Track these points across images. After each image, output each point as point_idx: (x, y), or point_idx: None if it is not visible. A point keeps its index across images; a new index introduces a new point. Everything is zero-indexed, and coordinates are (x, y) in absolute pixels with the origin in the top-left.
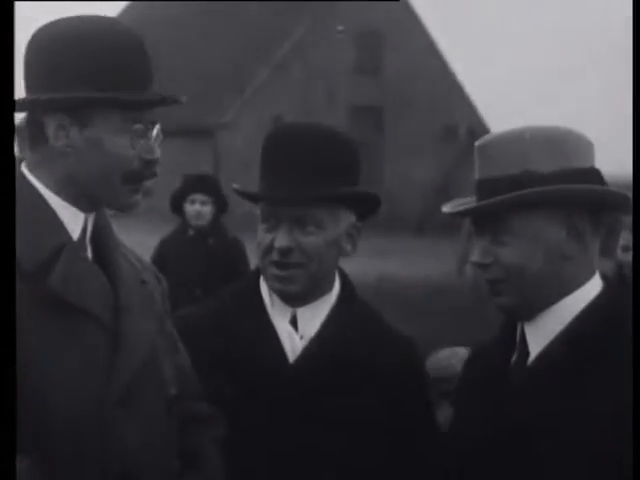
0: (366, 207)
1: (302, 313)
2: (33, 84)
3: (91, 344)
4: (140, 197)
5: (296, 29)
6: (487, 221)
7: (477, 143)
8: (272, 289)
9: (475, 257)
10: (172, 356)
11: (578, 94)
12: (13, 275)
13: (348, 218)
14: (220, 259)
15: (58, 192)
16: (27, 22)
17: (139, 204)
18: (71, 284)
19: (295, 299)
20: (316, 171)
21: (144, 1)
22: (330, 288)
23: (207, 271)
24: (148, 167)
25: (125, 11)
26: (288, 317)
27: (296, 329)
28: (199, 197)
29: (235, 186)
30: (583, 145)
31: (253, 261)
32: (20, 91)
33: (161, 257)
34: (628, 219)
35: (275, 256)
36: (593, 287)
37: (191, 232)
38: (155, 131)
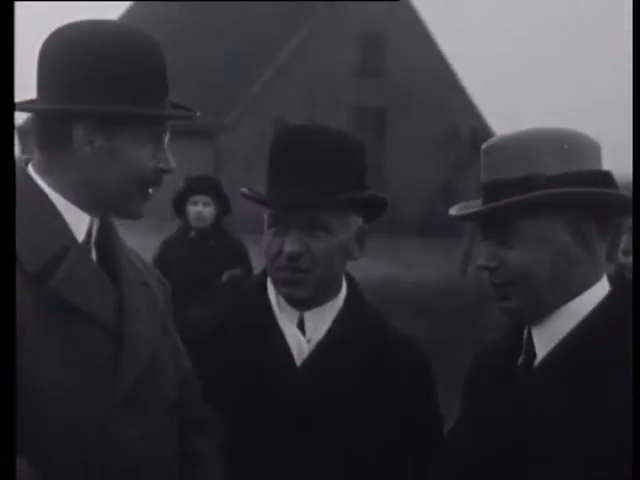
0: (374, 210)
1: (309, 317)
2: (57, 89)
3: (94, 346)
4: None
5: (298, 31)
6: (493, 224)
7: (483, 146)
8: (280, 293)
9: (481, 260)
10: (174, 359)
11: (586, 98)
12: (13, 275)
13: (356, 222)
14: (221, 261)
15: (69, 196)
16: (27, 22)
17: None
18: (75, 286)
19: (303, 303)
20: (327, 175)
21: (147, 1)
22: (337, 292)
23: (208, 273)
24: (160, 175)
25: (128, 11)
26: (295, 321)
27: (303, 333)
28: (201, 198)
29: (244, 190)
30: (590, 147)
31: (254, 263)
32: (20, 91)
33: (163, 258)
34: (628, 222)
35: (284, 261)
36: (600, 290)
37: (193, 233)
38: (167, 139)
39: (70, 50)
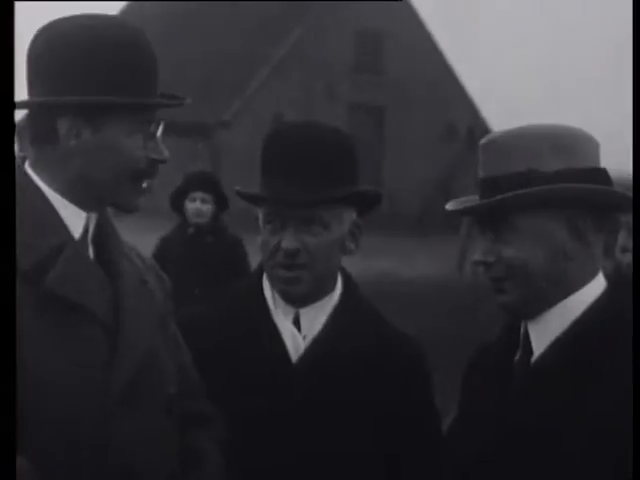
0: (367, 204)
1: (305, 313)
2: (42, 84)
3: (90, 343)
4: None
5: (296, 28)
6: (490, 219)
7: (481, 141)
8: (278, 290)
9: (477, 255)
10: (174, 355)
11: (582, 96)
12: (13, 275)
13: (350, 216)
14: (219, 257)
15: (63, 192)
16: (27, 22)
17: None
18: (71, 283)
19: (300, 300)
20: (321, 171)
21: (143, 1)
22: (333, 287)
23: (206, 270)
24: (154, 166)
25: (125, 9)
26: (291, 317)
27: (299, 329)
28: (200, 195)
29: (238, 188)
30: (588, 144)
31: (252, 260)
32: (19, 91)
33: (161, 255)
34: (625, 219)
35: (281, 257)
36: (596, 286)
37: (191, 230)
38: (160, 130)
39: (53, 44)
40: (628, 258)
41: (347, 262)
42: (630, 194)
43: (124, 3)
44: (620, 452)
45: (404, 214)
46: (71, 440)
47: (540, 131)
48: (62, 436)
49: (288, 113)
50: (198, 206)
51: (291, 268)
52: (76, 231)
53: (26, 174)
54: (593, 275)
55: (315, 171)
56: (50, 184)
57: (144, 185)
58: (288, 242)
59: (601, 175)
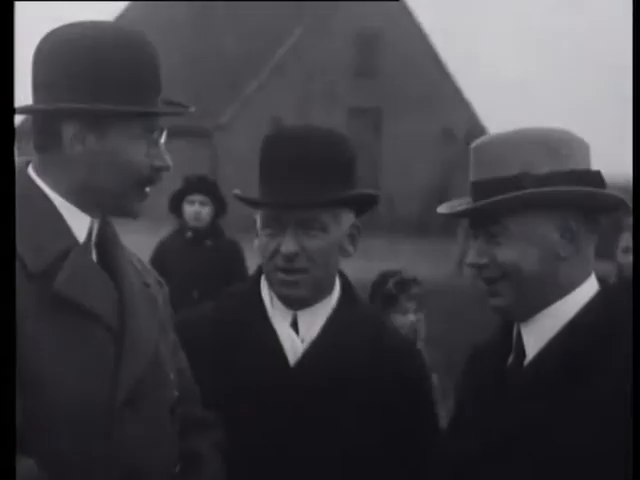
0: (365, 206)
1: (303, 316)
2: (47, 90)
3: (97, 346)
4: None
5: (294, 30)
6: (482, 222)
7: (473, 145)
8: (277, 294)
9: (470, 258)
10: (173, 359)
11: (579, 99)
12: (13, 276)
13: (349, 218)
14: (217, 261)
15: (68, 197)
16: (27, 22)
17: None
18: (77, 286)
19: (299, 303)
20: (320, 174)
21: (143, 2)
22: (331, 290)
23: (204, 273)
24: (157, 173)
25: (124, 12)
26: (289, 320)
27: (297, 332)
28: (198, 198)
29: (236, 192)
30: (579, 147)
31: (249, 263)
32: (20, 90)
33: (159, 259)
34: (628, 220)
35: (280, 261)
36: (589, 288)
37: (189, 234)
38: (164, 137)
39: (59, 50)
40: (630, 259)
41: (345, 266)
42: (622, 196)
43: (124, 3)
44: (612, 454)
45: (402, 217)
46: (77, 442)
47: (531, 134)
48: (68, 438)
49: (286, 116)
50: (197, 209)
51: (290, 272)
52: (80, 235)
53: (30, 179)
54: (586, 277)
55: (313, 174)
56: (54, 188)
57: (147, 191)
58: (287, 246)
59: (593, 177)
